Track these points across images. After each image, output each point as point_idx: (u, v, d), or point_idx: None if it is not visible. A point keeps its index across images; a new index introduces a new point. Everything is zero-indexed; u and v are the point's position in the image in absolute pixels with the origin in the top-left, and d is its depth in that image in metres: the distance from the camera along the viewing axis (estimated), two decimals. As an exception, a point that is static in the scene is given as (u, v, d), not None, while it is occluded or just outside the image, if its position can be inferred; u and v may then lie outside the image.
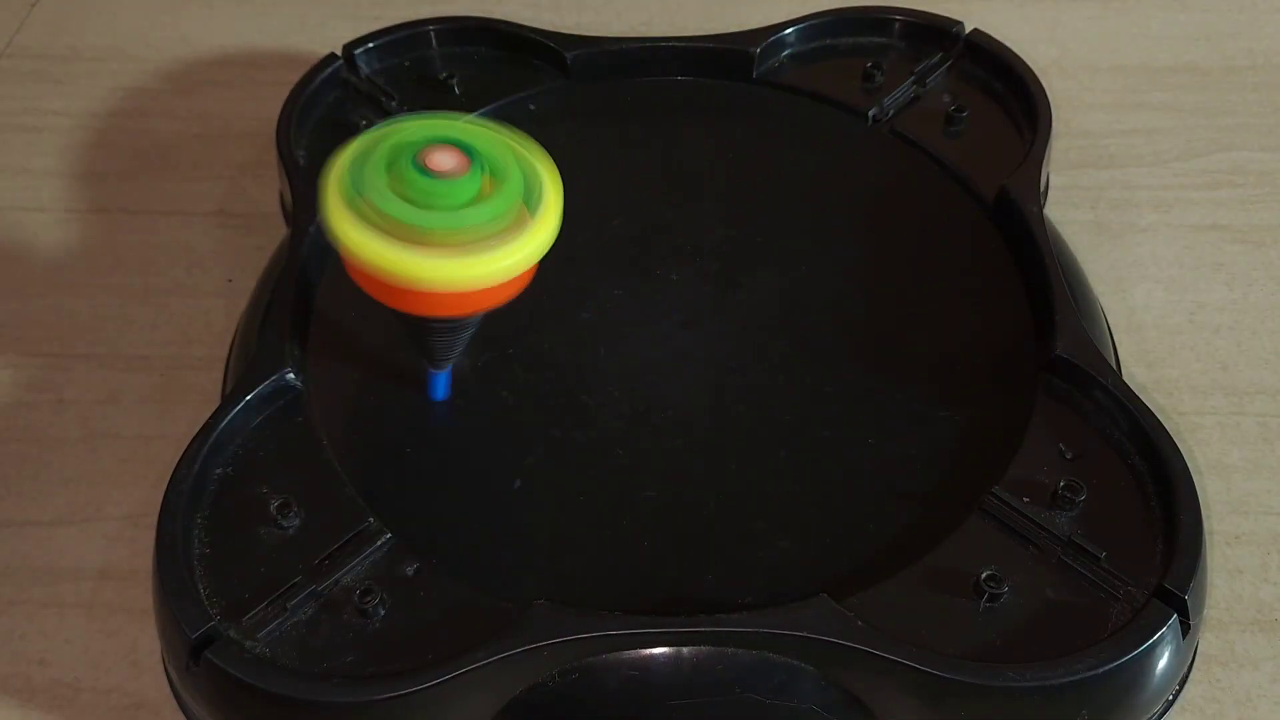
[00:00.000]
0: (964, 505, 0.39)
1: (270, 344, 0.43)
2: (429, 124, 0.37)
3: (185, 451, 0.39)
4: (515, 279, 0.36)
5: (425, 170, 0.35)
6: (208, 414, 0.40)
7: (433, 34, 0.57)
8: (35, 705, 0.40)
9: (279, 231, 0.52)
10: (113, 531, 0.45)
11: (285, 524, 0.38)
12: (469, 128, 0.37)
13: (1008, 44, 0.55)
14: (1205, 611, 0.42)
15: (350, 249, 0.35)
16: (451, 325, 0.38)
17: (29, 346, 0.51)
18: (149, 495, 0.45)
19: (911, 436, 0.42)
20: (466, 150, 0.36)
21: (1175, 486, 0.38)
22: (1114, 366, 0.46)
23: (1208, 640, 0.42)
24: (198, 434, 0.40)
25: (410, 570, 0.37)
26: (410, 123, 0.37)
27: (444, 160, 0.35)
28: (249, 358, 0.43)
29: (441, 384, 0.43)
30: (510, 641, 0.35)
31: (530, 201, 0.36)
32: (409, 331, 0.40)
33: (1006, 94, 0.54)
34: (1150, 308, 0.52)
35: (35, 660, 0.41)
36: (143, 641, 0.42)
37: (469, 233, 0.35)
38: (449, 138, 0.36)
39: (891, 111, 0.54)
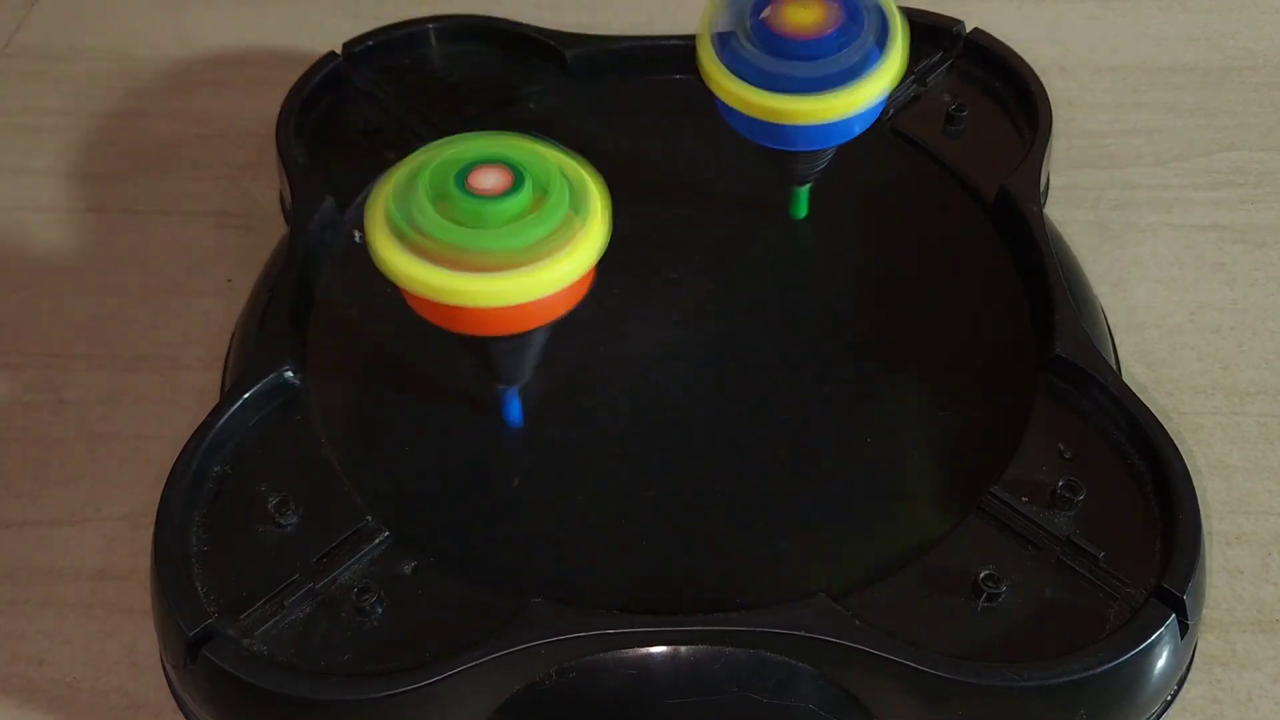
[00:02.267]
0: (962, 505, 0.39)
1: (269, 342, 0.43)
2: (467, 145, 0.37)
3: (183, 450, 0.39)
4: (574, 286, 0.36)
5: (471, 191, 0.35)
6: (207, 414, 0.40)
7: (432, 32, 0.57)
8: (34, 705, 0.40)
9: (279, 231, 0.52)
10: (112, 531, 0.45)
11: (283, 522, 0.38)
12: (509, 143, 0.37)
13: (1008, 43, 0.55)
14: (1206, 612, 0.42)
15: (408, 281, 0.35)
16: (518, 342, 0.38)
17: (28, 346, 0.51)
18: (148, 495, 0.45)
19: (910, 436, 0.42)
20: (509, 165, 0.36)
21: (1174, 486, 0.38)
22: (1114, 366, 0.46)
23: (1208, 640, 0.42)
24: (196, 432, 0.40)
25: (408, 568, 0.37)
26: (448, 145, 0.37)
27: (489, 178, 0.36)
28: (247, 356, 0.43)
29: (515, 404, 0.42)
30: (508, 640, 0.35)
31: (579, 208, 0.36)
32: (473, 353, 0.39)
33: (1007, 94, 0.54)
34: (1151, 307, 0.52)
35: (34, 660, 0.41)
36: (142, 641, 0.42)
37: (525, 248, 0.35)
38: (490, 156, 0.36)
39: (891, 111, 0.54)
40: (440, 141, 0.38)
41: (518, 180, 0.36)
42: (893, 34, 0.42)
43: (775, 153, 0.45)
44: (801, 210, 0.49)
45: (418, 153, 0.38)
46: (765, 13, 0.41)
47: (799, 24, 0.41)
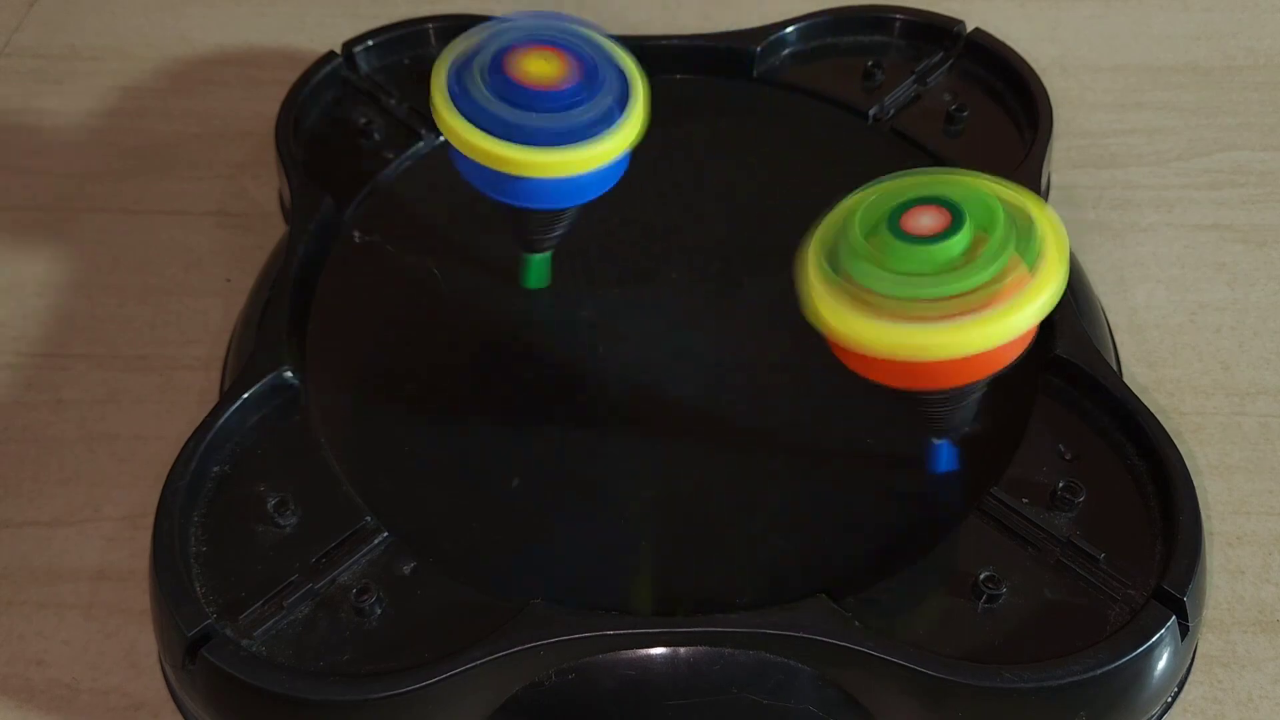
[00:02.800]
0: (962, 506, 0.39)
1: (268, 342, 0.43)
2: (901, 184, 0.35)
3: (182, 449, 0.39)
4: (1021, 338, 0.33)
5: (907, 235, 0.33)
6: (206, 414, 0.40)
7: (432, 32, 0.57)
8: (34, 705, 0.40)
9: (278, 231, 0.52)
10: (111, 532, 0.45)
11: (282, 522, 0.38)
12: (939, 179, 0.34)
13: (1009, 43, 0.55)
14: (1207, 612, 0.42)
15: (863, 342, 0.33)
16: (960, 392, 0.36)
17: (28, 346, 0.51)
18: (147, 495, 0.45)
19: (910, 437, 0.42)
20: (947, 205, 0.33)
21: (1174, 487, 0.38)
22: (1114, 367, 0.46)
23: (1209, 641, 0.42)
24: (195, 432, 0.40)
25: (407, 569, 0.37)
26: (879, 185, 0.35)
27: (926, 221, 0.33)
28: (247, 356, 0.43)
29: (946, 453, 0.40)
30: (507, 641, 0.35)
31: (1026, 253, 0.32)
32: (911, 405, 0.37)
33: (1007, 93, 0.54)
34: (1151, 307, 0.52)
35: (34, 661, 0.41)
36: (141, 642, 0.42)
37: (969, 296, 0.32)
38: (926, 196, 0.34)
39: (892, 110, 0.54)
40: (873, 183, 0.35)
41: (954, 222, 0.32)
42: (633, 96, 0.40)
43: (512, 215, 0.43)
44: (534, 280, 0.46)
45: (854, 193, 0.35)
46: (504, 61, 0.39)
47: (537, 75, 0.39)
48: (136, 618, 0.42)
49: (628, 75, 0.41)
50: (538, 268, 0.46)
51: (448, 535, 0.39)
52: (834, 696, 0.36)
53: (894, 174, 0.35)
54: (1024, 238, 0.32)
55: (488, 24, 0.41)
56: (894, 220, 0.33)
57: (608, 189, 0.41)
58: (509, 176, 0.39)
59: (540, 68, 0.39)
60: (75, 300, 0.53)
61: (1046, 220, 0.33)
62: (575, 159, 0.39)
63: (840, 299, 0.33)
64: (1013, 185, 0.35)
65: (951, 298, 0.31)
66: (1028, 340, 0.33)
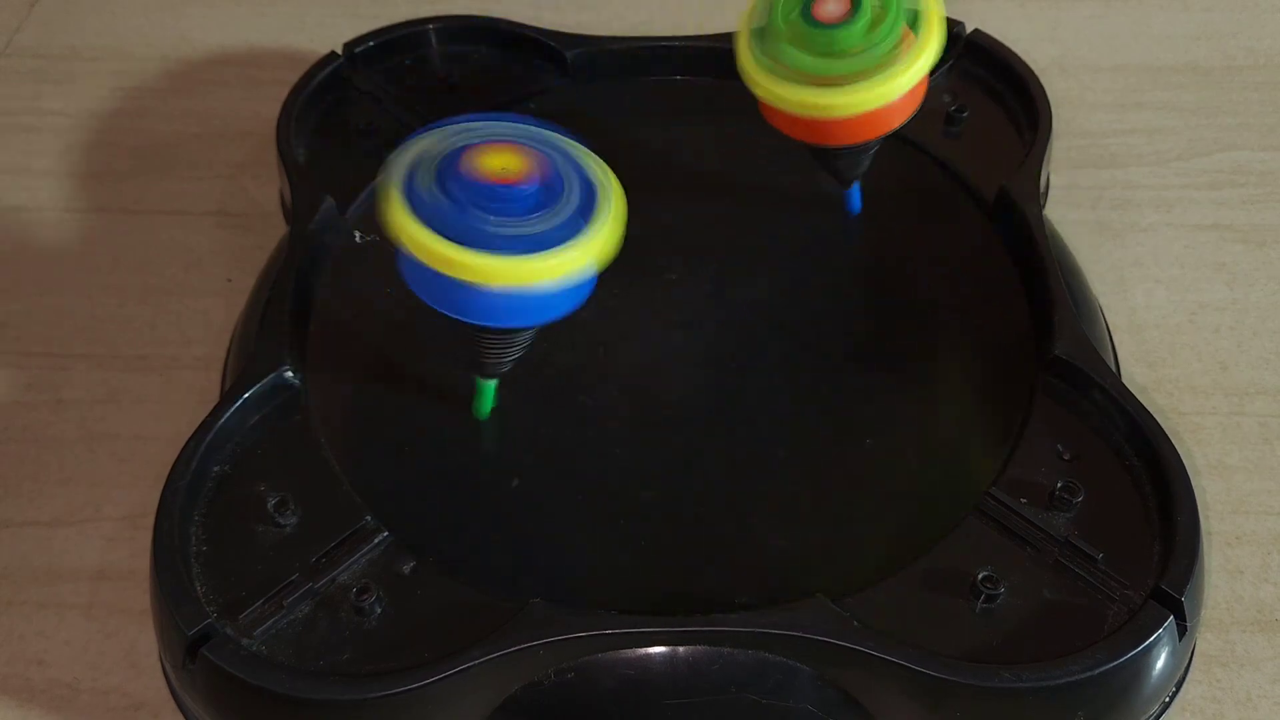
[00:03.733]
0: (961, 506, 0.39)
1: (268, 342, 0.43)
2: None
3: (183, 449, 0.39)
4: (906, 100, 0.42)
5: (818, 22, 0.41)
6: (206, 414, 0.40)
7: (433, 33, 0.57)
8: (34, 705, 0.40)
9: (278, 231, 0.52)
10: (111, 532, 0.45)
11: (282, 522, 0.38)
12: None
13: (1008, 43, 0.55)
14: (1206, 612, 0.42)
15: (778, 99, 0.42)
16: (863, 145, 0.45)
17: (28, 346, 0.51)
18: (147, 495, 0.45)
19: (909, 437, 0.42)
20: None
21: (1173, 488, 0.38)
22: (1113, 367, 0.46)
23: (1208, 640, 0.42)
24: (195, 432, 0.40)
25: (407, 568, 0.37)
26: None
27: (832, 9, 0.41)
28: (247, 356, 0.43)
29: (855, 195, 0.48)
30: (506, 640, 0.35)
31: (914, 24, 0.41)
32: (824, 159, 0.46)
33: (1007, 94, 0.54)
34: (1151, 308, 0.52)
35: (34, 661, 0.41)
36: (142, 642, 0.42)
37: (873, 66, 0.41)
38: None
39: (891, 111, 0.54)
40: None
41: (855, 5, 0.41)
42: (602, 206, 0.36)
43: (463, 335, 0.38)
44: (484, 410, 0.42)
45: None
46: (461, 158, 0.36)
47: (497, 171, 0.35)
48: (137, 618, 0.42)
49: (595, 184, 0.37)
50: (488, 395, 0.42)
51: (447, 535, 0.39)
52: (833, 696, 0.36)
53: None
54: (913, 12, 0.42)
55: (444, 126, 0.38)
56: (806, 9, 0.42)
57: (569, 311, 0.37)
58: (464, 287, 0.35)
59: (501, 163, 0.36)
60: (75, 300, 0.53)
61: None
62: (538, 268, 0.35)
63: (767, 71, 0.42)
64: None
65: (865, 66, 0.41)
66: (916, 102, 0.43)
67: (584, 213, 0.36)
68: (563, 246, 0.35)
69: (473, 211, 0.35)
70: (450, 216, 0.34)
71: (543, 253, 0.35)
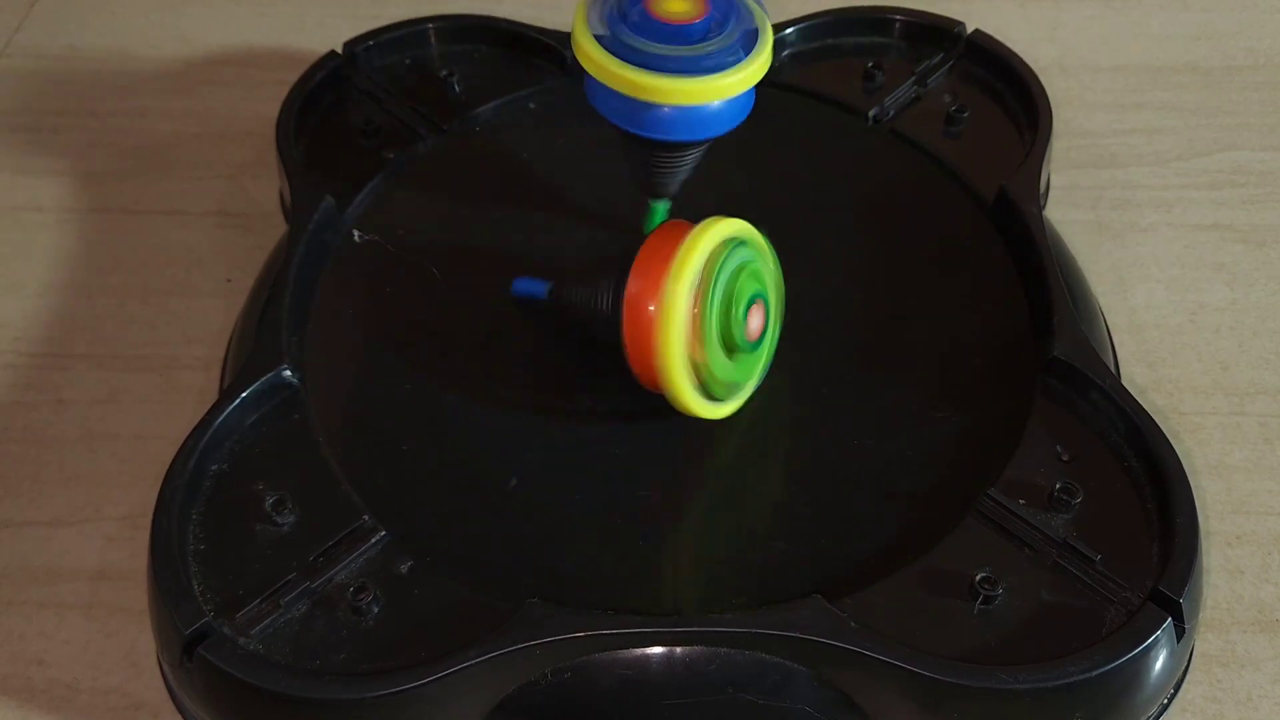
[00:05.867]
0: (960, 507, 0.39)
1: (267, 341, 0.43)
2: None
3: (181, 447, 0.39)
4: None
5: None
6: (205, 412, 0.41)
7: (433, 32, 0.57)
8: (34, 705, 0.40)
9: (278, 231, 0.52)
10: (111, 532, 0.45)
11: (280, 521, 0.38)
12: None
13: (1008, 43, 0.55)
14: (1206, 612, 0.42)
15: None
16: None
17: (28, 346, 0.51)
18: (147, 495, 0.45)
19: (908, 437, 0.42)
20: None
21: (1171, 489, 0.38)
22: (1112, 368, 0.46)
23: (1208, 640, 0.42)
24: (194, 430, 0.40)
25: (404, 568, 0.38)
26: None
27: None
28: (246, 355, 0.43)
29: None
30: (503, 640, 0.35)
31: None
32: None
33: (1007, 94, 0.54)
34: (1151, 308, 0.52)
35: (34, 660, 0.41)
36: (141, 642, 0.42)
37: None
38: None
39: (892, 112, 0.54)
40: None
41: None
42: (762, 37, 0.41)
43: (639, 155, 0.44)
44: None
45: None
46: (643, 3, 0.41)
47: (673, 11, 0.41)
48: (137, 618, 0.42)
49: (755, 17, 0.42)
50: (659, 216, 0.47)
51: (445, 535, 0.39)
52: (830, 697, 0.36)
53: None
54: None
55: None
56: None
57: (734, 126, 0.42)
58: (642, 105, 0.40)
59: (677, 7, 0.40)
60: (76, 300, 0.53)
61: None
62: (707, 88, 0.40)
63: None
64: None
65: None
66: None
67: (745, 44, 0.41)
68: (729, 71, 0.40)
69: (653, 41, 0.40)
70: (634, 45, 0.40)
71: (712, 75, 0.40)
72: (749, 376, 0.42)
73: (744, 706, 0.35)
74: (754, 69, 0.41)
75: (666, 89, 0.40)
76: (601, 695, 0.36)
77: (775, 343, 0.43)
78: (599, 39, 0.40)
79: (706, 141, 0.43)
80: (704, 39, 0.40)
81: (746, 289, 0.40)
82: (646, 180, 0.45)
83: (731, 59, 0.40)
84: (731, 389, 0.41)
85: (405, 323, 0.46)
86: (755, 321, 0.40)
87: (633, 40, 0.40)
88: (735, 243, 0.41)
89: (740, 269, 0.40)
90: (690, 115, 0.41)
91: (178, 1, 0.68)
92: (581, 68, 0.41)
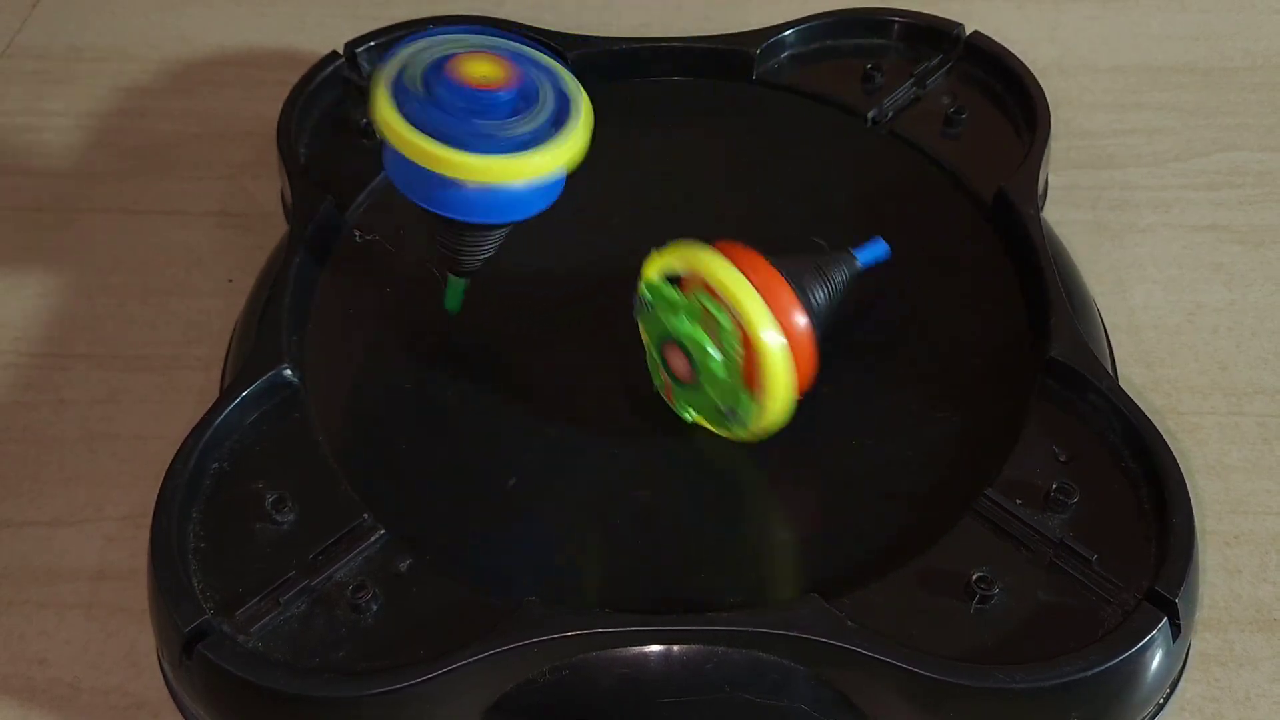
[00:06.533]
0: (957, 506, 0.39)
1: (267, 340, 0.43)
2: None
3: (181, 446, 0.39)
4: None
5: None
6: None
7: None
8: (35, 705, 0.41)
9: (278, 231, 0.52)
10: (112, 531, 0.45)
11: (280, 519, 0.38)
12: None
13: (1007, 44, 0.55)
14: (1204, 611, 0.42)
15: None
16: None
17: (29, 346, 0.51)
18: (148, 495, 0.45)
19: (905, 438, 0.42)
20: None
21: (1168, 489, 0.38)
22: (1110, 368, 0.46)
23: (1206, 640, 0.42)
24: (194, 429, 0.40)
25: (403, 566, 0.38)
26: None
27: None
28: (246, 354, 0.43)
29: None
30: (502, 638, 0.35)
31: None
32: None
33: (1006, 95, 0.54)
34: (1149, 308, 0.52)
35: (35, 660, 0.42)
36: (142, 641, 0.42)
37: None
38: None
39: (891, 113, 0.54)
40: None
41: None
42: (574, 114, 0.39)
43: (440, 231, 0.42)
44: (452, 302, 0.45)
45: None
46: (446, 65, 0.39)
47: (480, 77, 0.38)
48: (137, 617, 0.42)
49: (569, 94, 0.40)
50: (456, 290, 0.44)
51: (444, 533, 0.40)
52: (827, 696, 0.36)
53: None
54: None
55: (430, 35, 0.41)
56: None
57: (539, 210, 0.40)
58: (441, 181, 0.38)
59: (483, 70, 0.38)
60: (76, 300, 0.53)
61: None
62: (512, 167, 0.37)
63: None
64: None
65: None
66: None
67: (557, 121, 0.39)
68: (536, 149, 0.38)
69: (455, 114, 0.37)
70: (434, 117, 0.37)
71: (517, 154, 0.37)
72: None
73: (741, 705, 0.36)
74: (564, 147, 0.38)
75: (470, 166, 0.37)
76: (599, 694, 0.36)
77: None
78: (400, 105, 0.38)
79: (508, 225, 0.41)
80: (512, 113, 0.38)
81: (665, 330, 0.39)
82: (446, 256, 0.42)
83: (539, 136, 0.38)
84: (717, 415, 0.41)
85: (405, 323, 0.46)
86: (678, 363, 0.40)
87: (434, 111, 0.37)
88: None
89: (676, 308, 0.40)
90: (493, 197, 0.38)
91: (178, 1, 0.69)
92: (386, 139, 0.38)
